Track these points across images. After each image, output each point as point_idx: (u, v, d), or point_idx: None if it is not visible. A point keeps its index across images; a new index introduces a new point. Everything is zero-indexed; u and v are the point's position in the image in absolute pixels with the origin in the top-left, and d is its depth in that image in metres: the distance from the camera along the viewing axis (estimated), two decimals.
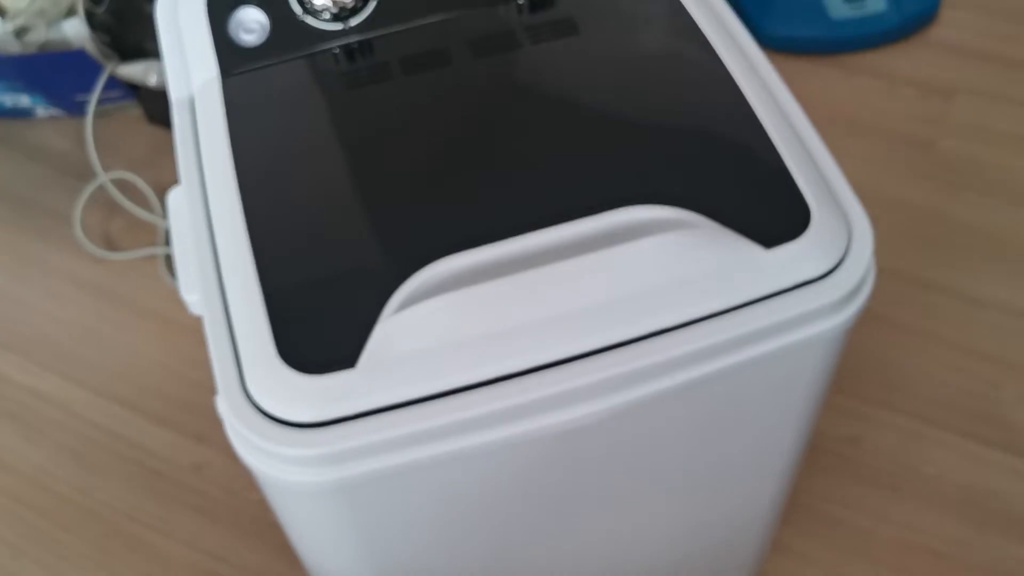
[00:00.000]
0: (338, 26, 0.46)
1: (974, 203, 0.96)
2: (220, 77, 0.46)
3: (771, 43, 1.07)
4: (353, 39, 0.46)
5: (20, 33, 1.00)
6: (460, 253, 0.38)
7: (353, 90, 0.44)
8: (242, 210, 0.41)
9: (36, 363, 0.90)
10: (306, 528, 0.41)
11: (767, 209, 0.39)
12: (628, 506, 0.45)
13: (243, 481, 0.82)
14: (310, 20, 0.46)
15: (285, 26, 0.46)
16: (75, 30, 1.00)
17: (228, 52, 0.46)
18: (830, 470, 0.80)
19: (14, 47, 0.99)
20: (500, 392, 0.36)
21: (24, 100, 1.06)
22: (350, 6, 0.46)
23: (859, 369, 0.85)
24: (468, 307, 0.37)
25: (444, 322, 0.37)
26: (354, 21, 0.46)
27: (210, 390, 0.86)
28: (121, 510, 0.81)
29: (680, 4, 0.46)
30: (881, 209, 0.96)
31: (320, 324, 0.37)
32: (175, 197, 0.44)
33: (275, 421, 0.36)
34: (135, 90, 1.04)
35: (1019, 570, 0.74)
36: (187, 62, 0.47)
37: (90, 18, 0.99)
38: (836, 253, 0.39)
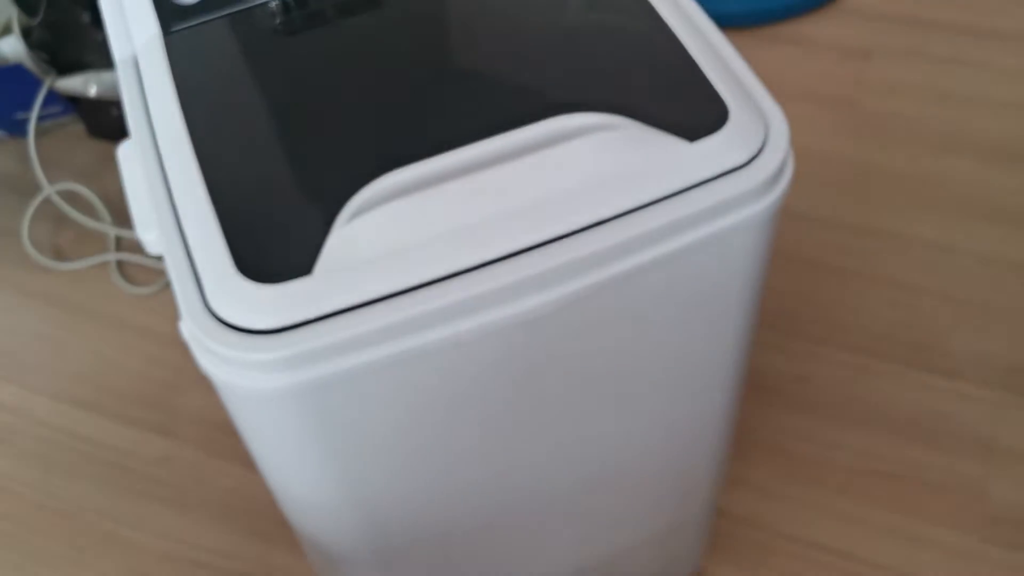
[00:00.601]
0: None
1: (898, 152, 1.01)
2: (161, 35, 0.47)
3: None
4: None
5: None
6: (405, 167, 0.40)
7: (291, 36, 0.46)
8: (192, 148, 0.42)
9: None
10: (274, 443, 0.43)
11: (687, 108, 0.42)
12: (584, 408, 0.47)
13: (210, 469, 0.82)
14: None
15: None
16: (12, 47, 1.00)
17: (167, 11, 0.48)
18: (783, 407, 0.83)
19: None
20: (448, 288, 0.38)
21: None
22: None
23: (802, 312, 0.88)
24: (415, 212, 0.39)
25: (394, 228, 0.39)
26: None
27: (170, 385, 0.87)
28: (91, 509, 0.81)
29: None
30: (813, 164, 1.00)
31: (276, 237, 0.39)
32: (125, 149, 0.46)
33: (238, 331, 0.38)
34: (75, 104, 1.05)
35: (970, 484, 0.78)
36: (127, 23, 0.48)
37: (26, 34, 1.00)
38: (755, 142, 0.41)
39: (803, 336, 0.87)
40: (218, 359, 0.38)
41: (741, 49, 1.12)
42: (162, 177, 0.43)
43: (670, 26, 0.45)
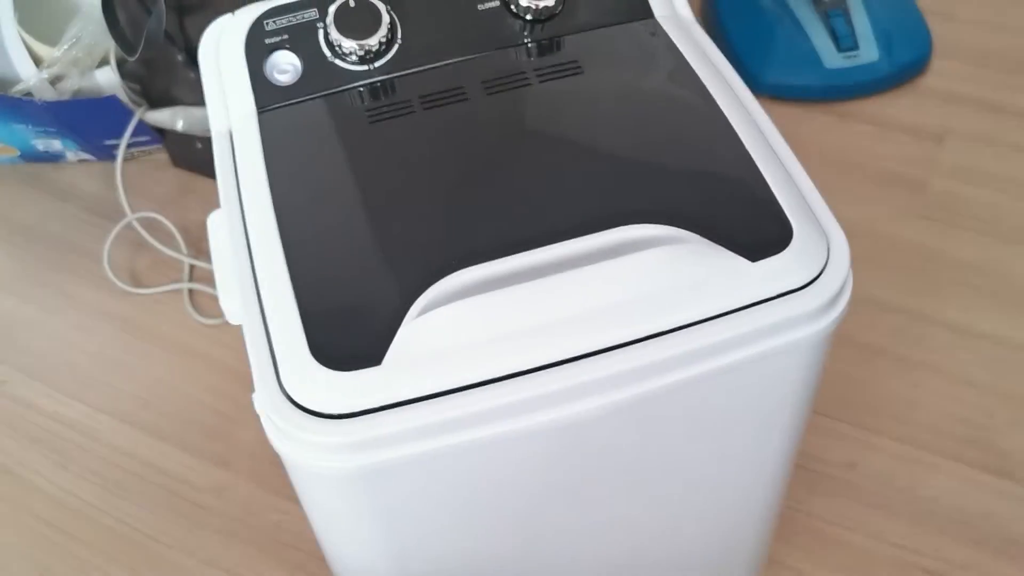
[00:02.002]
0: (364, 68, 0.51)
1: (966, 241, 1.00)
2: (256, 112, 0.50)
3: (767, 91, 1.12)
4: (377, 79, 0.51)
5: (55, 81, 1.05)
6: (475, 266, 0.42)
7: (377, 123, 0.49)
8: (277, 226, 0.45)
9: (63, 392, 0.94)
10: (333, 515, 0.45)
11: (753, 227, 0.43)
12: (628, 498, 0.48)
13: (262, 503, 0.85)
14: (339, 63, 0.51)
15: (316, 68, 0.51)
16: (107, 78, 1.06)
17: (264, 90, 0.51)
18: (829, 493, 0.83)
19: (49, 94, 1.05)
20: (509, 388, 0.40)
21: (56, 144, 1.12)
22: (375, 50, 0.51)
23: (855, 397, 0.88)
24: (482, 312, 0.41)
25: (461, 325, 0.40)
26: (378, 63, 0.51)
27: (230, 418, 0.91)
28: (145, 531, 0.84)
29: (675, 47, 0.51)
30: (876, 246, 1.00)
31: (349, 326, 0.41)
32: (215, 218, 0.49)
33: (308, 413, 0.40)
34: (162, 134, 1.09)
35: None
36: (226, 98, 0.51)
37: (121, 67, 1.05)
38: (816, 265, 0.43)
39: (854, 421, 0.87)
40: (285, 436, 0.41)
41: (812, 124, 1.13)
42: (247, 252, 0.46)
43: (740, 137, 0.47)
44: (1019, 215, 1.01)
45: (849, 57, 1.13)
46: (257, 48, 0.51)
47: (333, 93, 0.50)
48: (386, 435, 0.39)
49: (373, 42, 0.50)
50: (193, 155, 1.09)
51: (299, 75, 0.51)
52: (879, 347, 0.92)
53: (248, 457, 0.88)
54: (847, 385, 0.89)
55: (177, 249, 1.03)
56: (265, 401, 0.41)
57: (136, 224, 1.04)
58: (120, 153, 1.04)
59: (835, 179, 1.07)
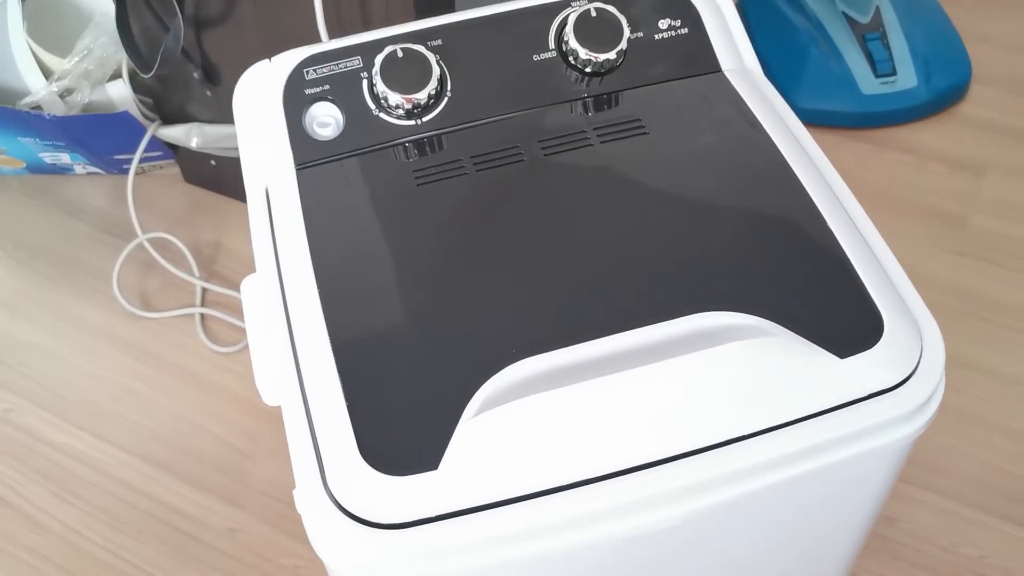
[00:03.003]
0: (411, 123, 0.47)
1: (1007, 280, 0.96)
2: (295, 168, 0.47)
3: (802, 116, 1.07)
4: (425, 135, 0.47)
5: (64, 94, 1.01)
6: (537, 356, 0.38)
7: (426, 186, 0.45)
8: (320, 305, 0.41)
9: (70, 422, 0.90)
10: None
11: (841, 319, 0.40)
12: None
13: (276, 548, 0.82)
14: (384, 116, 0.47)
15: (359, 122, 0.47)
16: (119, 92, 1.02)
17: (303, 145, 0.47)
18: (870, 548, 0.79)
19: (59, 108, 1.01)
20: (580, 496, 0.37)
21: (64, 158, 1.08)
22: (423, 103, 0.47)
23: None
24: (546, 412, 0.37)
25: (523, 426, 0.37)
26: (426, 117, 0.47)
27: (244, 453, 0.87)
28: (153, 573, 0.80)
29: (746, 107, 0.47)
30: (916, 284, 0.96)
31: (401, 425, 0.37)
32: (250, 285, 0.45)
33: (357, 520, 0.36)
34: (173, 149, 1.06)
35: None
36: (263, 153, 0.47)
37: (134, 80, 1.01)
38: (909, 364, 0.39)
39: None
40: (332, 545, 0.37)
41: (846, 151, 1.09)
42: (287, 329, 0.42)
43: (824, 216, 0.43)
44: None
45: (886, 83, 1.10)
46: (296, 99, 0.48)
47: (377, 149, 0.47)
48: (443, 547, 0.36)
49: (422, 96, 0.46)
50: (206, 171, 1.05)
51: (341, 129, 0.47)
52: None
53: (262, 496, 0.84)
54: None
55: (188, 271, 1.00)
56: (308, 503, 0.37)
57: (147, 245, 1.00)
58: (132, 170, 1.01)
59: (870, 212, 1.03)
